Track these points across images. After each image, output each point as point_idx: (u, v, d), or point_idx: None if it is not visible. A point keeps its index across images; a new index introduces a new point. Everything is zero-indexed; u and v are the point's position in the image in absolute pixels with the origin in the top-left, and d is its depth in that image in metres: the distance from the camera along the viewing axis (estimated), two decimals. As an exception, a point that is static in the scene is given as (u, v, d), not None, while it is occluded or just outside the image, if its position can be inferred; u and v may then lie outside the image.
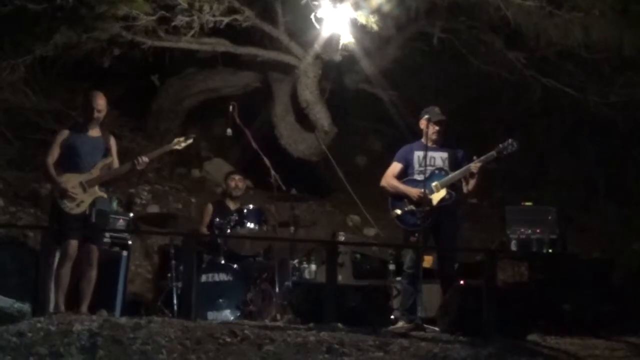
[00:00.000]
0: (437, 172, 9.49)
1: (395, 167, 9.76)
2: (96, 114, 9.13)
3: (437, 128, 9.54)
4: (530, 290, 10.27)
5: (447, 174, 9.45)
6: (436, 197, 9.38)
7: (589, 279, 10.22)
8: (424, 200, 9.23)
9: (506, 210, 10.97)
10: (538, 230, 10.66)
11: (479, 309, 8.13)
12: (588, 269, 10.46)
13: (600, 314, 9.92)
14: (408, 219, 9.46)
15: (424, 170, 9.44)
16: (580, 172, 15.67)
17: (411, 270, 9.33)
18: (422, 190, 9.27)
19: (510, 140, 9.31)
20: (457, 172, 9.41)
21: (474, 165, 9.32)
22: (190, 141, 9.46)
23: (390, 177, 9.72)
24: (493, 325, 8.01)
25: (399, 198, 9.54)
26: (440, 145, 9.61)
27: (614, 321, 9.90)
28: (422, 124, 9.63)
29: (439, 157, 9.56)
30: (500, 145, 9.31)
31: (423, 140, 9.62)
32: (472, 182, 9.47)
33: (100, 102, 9.16)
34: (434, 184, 9.40)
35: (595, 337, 9.16)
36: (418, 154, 9.58)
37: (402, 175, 9.68)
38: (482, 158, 9.34)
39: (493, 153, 9.35)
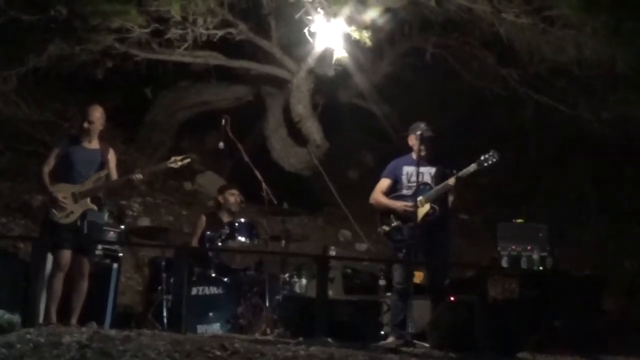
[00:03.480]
0: (422, 187, 9.36)
1: (384, 182, 9.67)
2: (86, 125, 9.18)
3: (425, 143, 9.47)
4: (521, 306, 10.25)
5: (431, 188, 9.36)
6: (420, 212, 9.31)
7: (580, 295, 10.23)
8: (410, 214, 9.22)
9: (498, 227, 10.98)
10: (529, 247, 10.68)
11: (469, 325, 8.12)
12: (579, 286, 10.46)
13: (591, 331, 9.92)
14: (395, 235, 9.40)
15: (410, 186, 9.40)
16: (572, 188, 15.69)
17: (401, 285, 9.28)
18: (407, 203, 9.28)
19: (491, 152, 9.22)
20: (439, 186, 9.37)
21: (451, 180, 9.28)
22: (187, 161, 9.49)
23: (378, 193, 9.64)
24: (484, 341, 7.99)
25: (386, 214, 9.47)
26: (429, 160, 9.47)
27: (605, 338, 9.90)
28: (411, 139, 9.56)
29: (427, 173, 9.44)
30: (482, 157, 9.23)
31: (413, 155, 9.55)
32: (452, 197, 9.46)
33: (93, 114, 9.20)
34: (419, 198, 9.30)
35: (586, 354, 9.16)
36: (407, 170, 9.50)
37: (391, 191, 9.59)
38: (462, 171, 9.28)
39: (474, 165, 9.29)
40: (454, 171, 9.32)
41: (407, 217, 9.26)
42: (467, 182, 9.44)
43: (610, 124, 13.42)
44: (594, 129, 13.67)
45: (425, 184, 9.41)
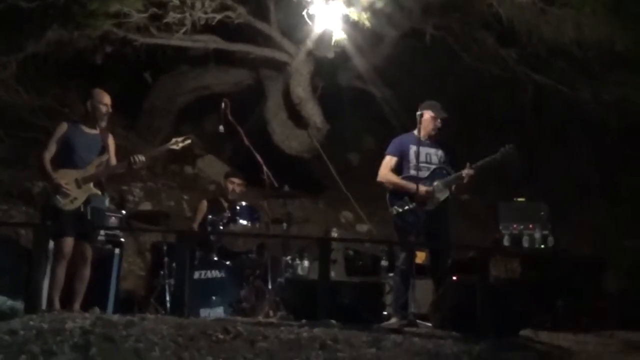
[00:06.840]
0: (438, 171, 9.32)
1: (391, 160, 9.46)
2: (105, 109, 9.13)
3: (439, 125, 9.43)
4: (523, 286, 10.27)
5: (447, 173, 9.31)
6: (439, 197, 9.24)
7: (581, 275, 10.25)
8: (427, 198, 9.21)
9: (499, 206, 10.98)
10: (530, 226, 10.69)
11: (471, 305, 8.12)
12: (580, 266, 10.48)
13: (593, 309, 9.95)
14: (408, 217, 9.23)
15: (418, 166, 9.30)
16: (572, 169, 15.66)
17: (404, 266, 9.27)
18: (428, 188, 9.20)
19: (509, 146, 9.11)
20: (453, 175, 9.30)
21: (468, 170, 9.24)
22: (188, 142, 9.42)
23: (388, 171, 9.43)
24: (486, 321, 8.00)
25: (399, 195, 9.31)
26: (435, 141, 9.44)
27: (606, 317, 9.93)
28: (427, 117, 9.38)
29: (434, 154, 9.39)
30: (500, 150, 9.16)
31: (416, 133, 9.39)
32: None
33: (107, 98, 9.18)
34: (435, 183, 9.26)
35: (588, 332, 9.18)
36: (414, 149, 9.32)
37: (397, 170, 9.43)
38: (480, 162, 9.21)
39: (491, 157, 9.20)
40: (468, 163, 9.24)
41: (423, 200, 9.21)
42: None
43: (610, 105, 13.41)
44: (594, 110, 13.67)
45: (442, 168, 9.34)
